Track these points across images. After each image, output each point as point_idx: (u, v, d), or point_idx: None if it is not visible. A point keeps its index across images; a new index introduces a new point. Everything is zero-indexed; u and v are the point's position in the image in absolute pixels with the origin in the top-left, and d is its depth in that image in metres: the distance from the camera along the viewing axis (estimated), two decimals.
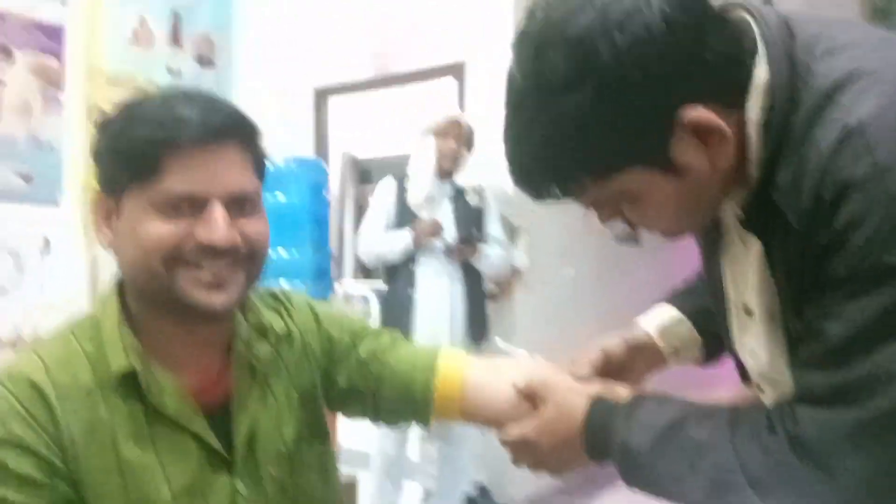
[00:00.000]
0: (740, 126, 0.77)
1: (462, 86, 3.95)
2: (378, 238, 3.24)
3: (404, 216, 3.23)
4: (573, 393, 0.95)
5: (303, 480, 1.00)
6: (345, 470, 1.91)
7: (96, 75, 1.93)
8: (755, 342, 0.89)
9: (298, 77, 4.50)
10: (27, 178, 1.81)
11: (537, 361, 1.11)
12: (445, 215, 3.22)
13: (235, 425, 0.94)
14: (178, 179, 0.83)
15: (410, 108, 7.33)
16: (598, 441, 0.90)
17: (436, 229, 3.13)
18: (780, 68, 0.76)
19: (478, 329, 3.27)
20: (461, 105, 3.94)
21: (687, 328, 1.13)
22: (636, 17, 0.72)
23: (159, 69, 2.05)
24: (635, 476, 0.87)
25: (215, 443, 0.91)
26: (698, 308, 1.12)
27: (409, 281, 3.17)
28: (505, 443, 0.99)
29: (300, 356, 1.04)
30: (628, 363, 1.10)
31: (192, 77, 2.13)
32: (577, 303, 3.51)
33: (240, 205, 0.88)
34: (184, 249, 0.85)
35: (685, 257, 1.16)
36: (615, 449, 0.87)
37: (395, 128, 8.21)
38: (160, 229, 0.84)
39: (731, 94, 0.77)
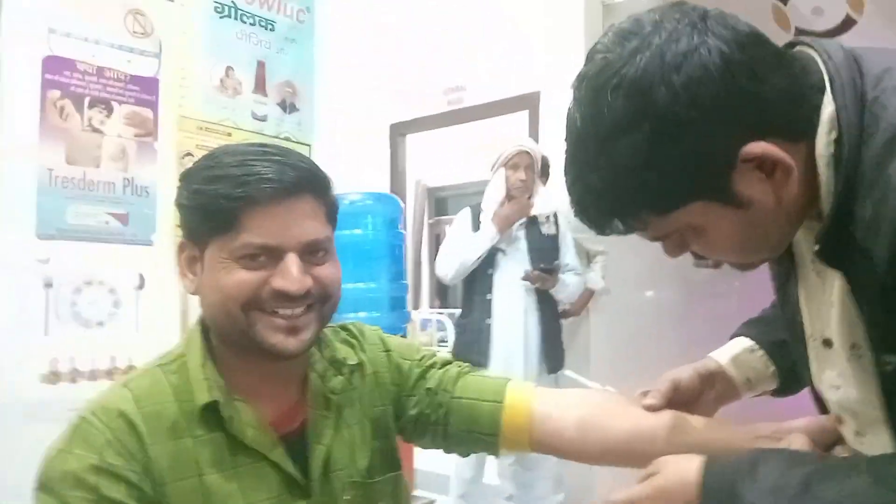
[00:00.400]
0: (809, 159, 0.77)
1: (536, 115, 3.99)
2: (458, 246, 3.25)
3: None
4: (686, 461, 0.89)
5: None
6: (423, 493, 1.95)
7: (186, 123, 2.05)
8: (836, 374, 0.88)
9: (375, 114, 4.62)
10: (123, 220, 1.94)
11: (608, 392, 1.12)
12: (519, 245, 3.24)
13: (311, 454, 0.99)
14: (255, 233, 0.90)
15: (485, 138, 7.42)
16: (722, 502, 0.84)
17: (522, 209, 3.16)
18: (847, 102, 0.75)
19: (553, 358, 3.26)
20: (535, 134, 3.97)
21: (759, 358, 1.12)
22: (693, 57, 0.73)
23: (245, 115, 2.16)
24: None
25: (293, 470, 0.96)
26: (773, 339, 1.10)
27: (486, 311, 3.19)
28: None
29: (372, 387, 1.09)
30: (700, 394, 1.09)
31: (276, 121, 2.24)
32: (657, 328, 3.45)
33: (313, 252, 0.95)
34: (261, 296, 0.92)
35: (768, 287, 1.13)
36: None
37: (470, 158, 8.30)
38: (240, 278, 0.91)
39: (795, 129, 0.77)
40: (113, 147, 1.92)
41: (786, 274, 0.96)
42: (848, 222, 0.76)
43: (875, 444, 0.89)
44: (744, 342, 1.14)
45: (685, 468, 0.88)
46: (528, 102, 4.04)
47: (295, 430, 1.01)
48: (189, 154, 2.02)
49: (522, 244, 3.24)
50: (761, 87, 0.74)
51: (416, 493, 2.96)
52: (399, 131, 4.80)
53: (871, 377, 0.82)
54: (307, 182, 0.94)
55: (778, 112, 0.75)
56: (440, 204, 9.92)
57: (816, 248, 0.81)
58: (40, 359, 1.77)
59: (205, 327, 1.00)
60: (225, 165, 0.92)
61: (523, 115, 4.14)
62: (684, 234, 0.83)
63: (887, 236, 0.71)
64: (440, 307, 8.87)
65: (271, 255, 0.92)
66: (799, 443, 0.94)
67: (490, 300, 3.20)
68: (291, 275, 0.91)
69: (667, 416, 1.04)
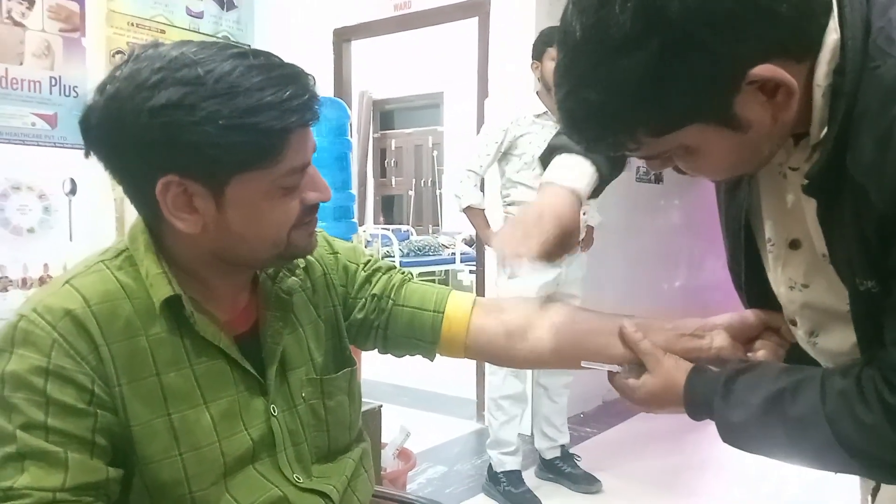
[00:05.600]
0: (807, 82, 0.74)
1: (486, 23, 3.87)
2: None
3: None
4: (675, 370, 0.95)
5: (333, 403, 1.05)
6: (369, 400, 1.98)
7: (116, 18, 1.93)
8: (802, 274, 0.90)
9: (318, 17, 4.44)
10: (51, 122, 1.83)
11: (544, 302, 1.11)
12: None
13: (266, 352, 0.98)
14: (293, 157, 0.87)
15: (432, 49, 7.25)
16: (700, 413, 0.91)
17: None
18: (855, 32, 0.72)
19: None
20: (485, 44, 3.87)
21: (597, 188, 1.13)
22: None
23: (180, 11, 2.04)
24: (737, 444, 0.88)
25: (249, 367, 0.95)
26: (613, 169, 1.12)
27: None
28: (612, 384, 1.02)
29: (322, 288, 1.09)
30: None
31: (213, 18, 2.12)
32: (602, 243, 3.50)
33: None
34: (299, 214, 0.91)
35: (706, 199, 1.14)
36: (716, 422, 0.89)
37: (417, 69, 8.13)
38: (287, 206, 0.90)
39: (801, 49, 0.73)
40: (37, 43, 1.79)
41: (738, 176, 0.95)
42: (841, 159, 0.74)
43: (827, 343, 0.91)
44: (591, 170, 1.12)
45: (674, 377, 0.94)
46: (478, 8, 3.92)
47: (247, 331, 0.99)
48: (120, 52, 1.91)
49: None
50: (778, 3, 0.69)
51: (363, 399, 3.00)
52: (343, 37, 4.63)
53: (836, 281, 0.83)
54: (316, 92, 0.90)
55: (789, 31, 0.71)
56: (386, 117, 9.77)
57: (806, 182, 0.79)
58: None
59: (149, 225, 0.94)
60: (248, 91, 0.82)
61: (472, 23, 4.03)
62: (674, 154, 0.81)
63: (892, 181, 0.69)
64: (385, 223, 8.87)
65: (300, 172, 0.91)
66: (720, 339, 0.99)
67: None
68: (323, 184, 0.94)
69: (596, 321, 1.08)
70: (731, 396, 0.87)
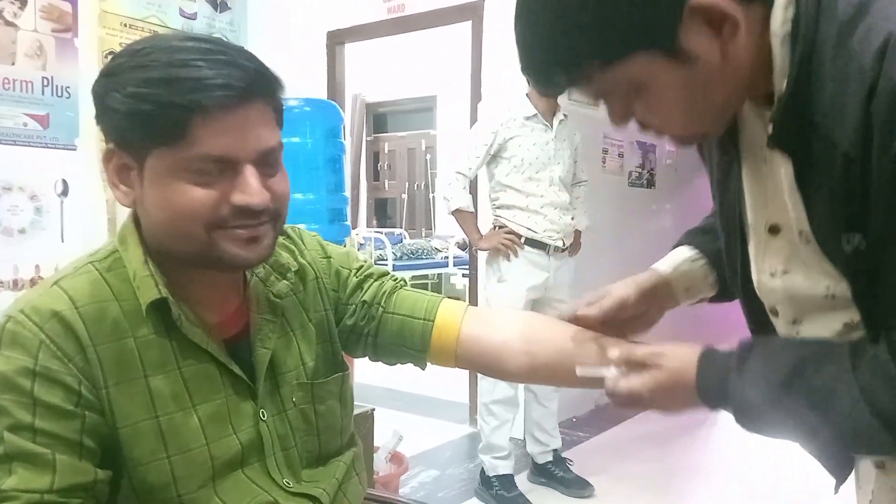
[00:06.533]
0: (763, 31, 0.75)
1: (480, 26, 3.88)
2: None
3: None
4: (684, 354, 0.89)
5: (324, 408, 1.04)
6: (361, 403, 1.97)
7: (109, 19, 1.92)
8: (782, 260, 0.89)
9: (311, 19, 4.44)
10: (43, 122, 1.83)
11: (537, 315, 1.11)
12: None
13: (256, 356, 0.97)
14: (207, 144, 0.83)
15: (425, 52, 7.25)
16: (715, 397, 0.86)
17: None
18: None
19: None
20: (479, 47, 3.88)
21: (701, 267, 1.12)
22: None
23: (173, 12, 2.04)
24: (755, 426, 0.83)
25: (238, 370, 0.95)
26: (715, 248, 1.10)
27: None
28: (612, 395, 0.94)
29: (314, 292, 1.08)
30: (642, 308, 1.10)
31: (207, 20, 2.12)
32: (594, 245, 3.50)
33: (266, 162, 0.89)
34: (221, 214, 0.86)
35: (698, 204, 1.15)
36: (732, 403, 0.83)
37: (410, 72, 8.14)
38: (195, 195, 0.85)
39: None
40: (29, 43, 1.79)
41: (728, 164, 0.95)
42: (804, 106, 0.74)
43: (810, 330, 0.90)
44: (686, 251, 1.14)
45: (684, 364, 0.88)
46: (472, 12, 3.92)
47: (237, 334, 0.98)
48: (112, 52, 1.90)
49: None
50: None
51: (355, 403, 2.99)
52: (337, 39, 4.62)
53: (821, 261, 0.82)
54: (260, 85, 0.86)
55: None
56: (379, 120, 9.77)
57: (770, 131, 0.79)
58: None
59: (139, 224, 0.94)
60: (164, 65, 0.82)
61: (466, 27, 4.03)
62: (628, 94, 0.81)
63: (856, 117, 0.69)
64: (377, 227, 8.87)
65: (225, 167, 0.85)
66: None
67: None
68: (252, 188, 0.86)
69: (589, 340, 1.06)
70: (747, 372, 0.82)
